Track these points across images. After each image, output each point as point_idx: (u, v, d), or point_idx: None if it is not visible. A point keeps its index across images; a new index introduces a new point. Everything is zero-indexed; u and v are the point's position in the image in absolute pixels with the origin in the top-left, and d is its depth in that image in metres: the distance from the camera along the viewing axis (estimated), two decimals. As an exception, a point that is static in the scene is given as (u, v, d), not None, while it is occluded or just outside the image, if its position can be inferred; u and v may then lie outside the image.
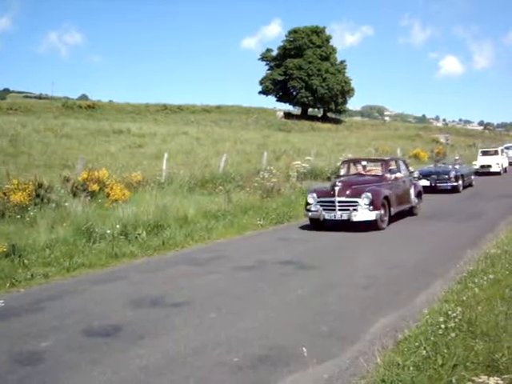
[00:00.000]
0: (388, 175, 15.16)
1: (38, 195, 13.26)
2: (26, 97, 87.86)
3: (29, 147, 25.72)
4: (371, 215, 13.40)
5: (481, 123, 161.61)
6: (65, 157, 23.05)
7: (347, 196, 13.64)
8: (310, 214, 14.05)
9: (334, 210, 13.61)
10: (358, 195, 13.52)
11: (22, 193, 12.95)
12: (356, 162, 16.82)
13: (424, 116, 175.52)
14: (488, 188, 25.10)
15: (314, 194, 14.15)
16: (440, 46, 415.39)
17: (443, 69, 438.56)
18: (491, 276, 7.34)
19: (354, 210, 13.39)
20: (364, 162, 16.43)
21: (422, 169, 24.95)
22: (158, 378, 4.98)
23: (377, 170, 16.00)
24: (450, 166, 24.88)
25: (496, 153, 34.62)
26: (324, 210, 13.70)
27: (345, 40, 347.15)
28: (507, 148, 41.41)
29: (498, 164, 33.49)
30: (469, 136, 76.18)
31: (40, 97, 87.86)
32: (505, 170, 35.04)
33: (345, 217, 13.46)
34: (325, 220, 13.75)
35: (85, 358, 5.51)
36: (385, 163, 15.77)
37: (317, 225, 13.91)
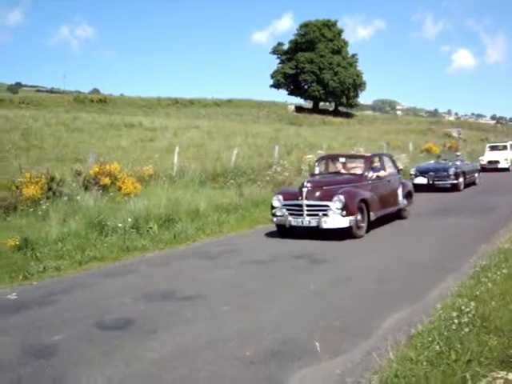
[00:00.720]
0: (369, 174, 13.14)
1: (50, 189, 13.31)
2: (38, 91, 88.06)
3: (41, 141, 25.75)
4: (344, 222, 11.39)
5: (493, 117, 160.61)
6: (76, 150, 23.06)
7: (316, 199, 11.79)
8: (275, 219, 12.26)
9: (302, 215, 11.78)
10: (329, 198, 11.59)
11: (34, 186, 12.99)
12: (334, 158, 14.59)
13: (436, 110, 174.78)
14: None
15: (280, 197, 12.38)
16: (452, 40, 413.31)
17: (456, 62, 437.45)
18: (505, 271, 7.29)
19: (325, 215, 11.48)
20: (343, 159, 14.24)
21: (419, 165, 23.87)
22: (169, 372, 4.97)
23: (360, 167, 13.86)
24: (451, 163, 23.40)
25: (505, 148, 33.39)
26: (290, 214, 11.92)
27: (357, 33, 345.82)
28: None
29: (506, 160, 32.21)
30: (481, 130, 75.75)
31: (52, 91, 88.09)
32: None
33: (313, 223, 11.60)
34: (292, 226, 11.95)
35: (97, 351, 5.52)
36: (366, 160, 13.65)
37: (283, 232, 12.15)
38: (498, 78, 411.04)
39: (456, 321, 5.37)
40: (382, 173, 13.72)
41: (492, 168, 31.28)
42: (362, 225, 12.03)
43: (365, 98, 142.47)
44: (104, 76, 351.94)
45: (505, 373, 4.03)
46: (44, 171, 14.04)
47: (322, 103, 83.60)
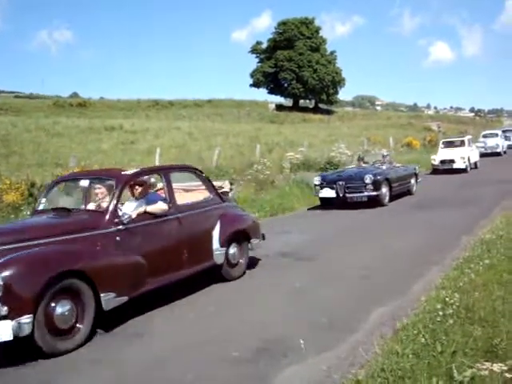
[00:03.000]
0: (122, 211, 7.03)
1: (31, 194, 13.19)
2: (17, 96, 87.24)
3: (20, 147, 25.62)
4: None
5: (472, 110, 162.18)
6: (57, 155, 22.94)
7: None
8: None
9: None
10: None
11: (14, 193, 12.88)
12: (77, 180, 8.19)
13: (415, 104, 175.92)
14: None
15: None
16: (430, 33, 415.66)
17: (433, 55, 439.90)
18: (487, 261, 7.36)
19: None
20: (85, 182, 7.72)
21: (325, 173, 18.09)
22: (157, 373, 4.98)
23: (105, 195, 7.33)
24: (374, 167, 17.67)
25: (462, 144, 27.25)
26: None
27: (335, 30, 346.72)
28: (485, 136, 37.20)
29: (463, 158, 25.47)
30: (460, 123, 76.22)
31: (30, 96, 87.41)
32: (474, 165, 27.41)
33: None
34: None
35: (85, 357, 5.51)
36: (117, 184, 7.19)
37: None
38: (476, 71, 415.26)
39: (441, 313, 5.42)
40: (158, 206, 7.41)
41: (446, 169, 25.41)
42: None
43: (344, 94, 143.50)
44: (83, 79, 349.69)
45: (490, 364, 4.06)
46: (24, 177, 13.93)
47: (302, 101, 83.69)
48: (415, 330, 5.17)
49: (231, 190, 9.56)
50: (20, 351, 5.49)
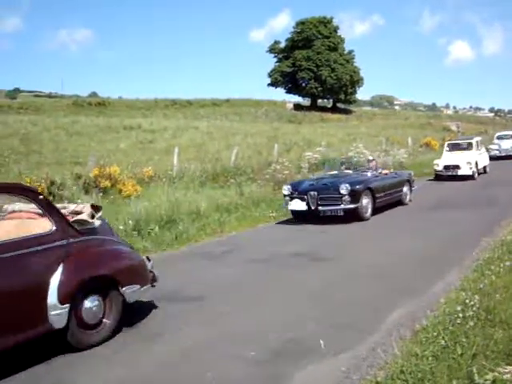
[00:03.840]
0: None
1: (50, 193, 13.30)
2: (37, 96, 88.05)
3: (40, 146, 25.84)
4: None
5: (491, 110, 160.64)
6: (76, 154, 23.12)
7: None
8: None
9: None
10: None
11: (34, 191, 12.99)
12: None
13: (434, 104, 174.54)
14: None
15: None
16: (449, 32, 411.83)
17: (453, 54, 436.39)
18: (508, 263, 7.28)
19: None
20: None
21: (296, 182, 15.38)
22: (174, 374, 4.97)
23: None
24: (356, 174, 15.30)
25: (469, 147, 23.95)
26: None
27: (354, 29, 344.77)
28: (499, 138, 33.51)
29: (469, 163, 22.26)
30: (480, 123, 75.59)
31: (50, 95, 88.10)
32: (484, 170, 24.63)
33: None
34: None
35: (100, 353, 5.55)
36: None
37: None
38: (496, 70, 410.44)
39: (460, 315, 5.37)
40: None
41: (450, 176, 22.29)
42: None
43: (363, 94, 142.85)
44: (102, 79, 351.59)
45: (512, 367, 4.02)
46: (44, 176, 14.04)
47: (320, 100, 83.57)
48: (435, 331, 5.13)
49: (93, 216, 6.27)
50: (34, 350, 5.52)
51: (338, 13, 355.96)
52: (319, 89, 76.18)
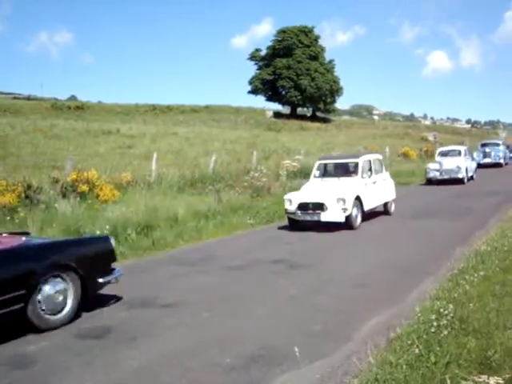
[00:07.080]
0: None
1: (27, 196, 13.19)
2: (15, 98, 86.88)
3: (18, 148, 25.55)
4: None
5: (468, 121, 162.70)
6: (54, 158, 22.90)
7: None
8: None
9: None
10: None
11: (10, 194, 12.86)
12: None
13: (412, 114, 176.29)
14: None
15: None
16: (427, 42, 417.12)
17: (431, 64, 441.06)
18: (481, 273, 7.36)
19: None
20: None
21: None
22: (150, 380, 4.95)
23: None
24: None
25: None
26: None
27: (336, 38, 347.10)
28: (442, 154, 27.17)
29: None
30: (456, 134, 76.44)
31: (29, 98, 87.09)
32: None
33: None
34: None
35: (76, 360, 5.47)
36: None
37: None
38: (473, 82, 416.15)
39: (435, 323, 5.40)
40: None
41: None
42: None
43: (342, 103, 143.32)
44: (82, 83, 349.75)
45: (486, 377, 4.05)
46: (21, 179, 13.91)
47: (299, 109, 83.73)
48: (409, 340, 5.16)
49: None
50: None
51: (320, 22, 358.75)
52: (299, 97, 76.37)
